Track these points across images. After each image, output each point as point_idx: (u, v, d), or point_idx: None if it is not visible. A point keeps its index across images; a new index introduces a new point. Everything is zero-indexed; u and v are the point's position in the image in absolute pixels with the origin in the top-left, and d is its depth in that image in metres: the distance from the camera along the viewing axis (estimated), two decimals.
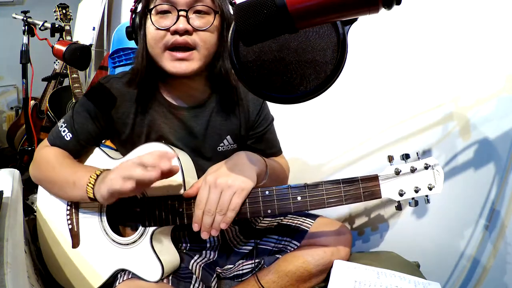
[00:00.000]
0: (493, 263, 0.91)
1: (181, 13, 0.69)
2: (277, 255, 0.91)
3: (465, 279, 0.97)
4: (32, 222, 0.96)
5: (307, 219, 0.94)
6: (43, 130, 2.13)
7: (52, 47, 0.78)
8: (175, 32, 0.70)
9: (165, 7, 0.70)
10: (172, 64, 0.72)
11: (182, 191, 0.75)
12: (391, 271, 0.85)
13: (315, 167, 1.27)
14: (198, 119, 0.82)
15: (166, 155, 0.65)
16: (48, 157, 0.80)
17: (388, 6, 0.36)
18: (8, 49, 2.61)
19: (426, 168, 0.71)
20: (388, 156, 0.74)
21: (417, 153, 0.75)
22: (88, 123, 0.80)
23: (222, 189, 0.70)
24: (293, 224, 0.93)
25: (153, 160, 0.64)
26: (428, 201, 0.73)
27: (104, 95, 0.80)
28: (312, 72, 0.51)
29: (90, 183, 0.71)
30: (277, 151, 0.96)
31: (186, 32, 0.70)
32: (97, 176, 0.71)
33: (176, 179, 0.75)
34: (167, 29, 0.70)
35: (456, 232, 0.98)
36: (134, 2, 0.76)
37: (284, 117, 1.10)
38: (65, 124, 0.81)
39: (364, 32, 1.01)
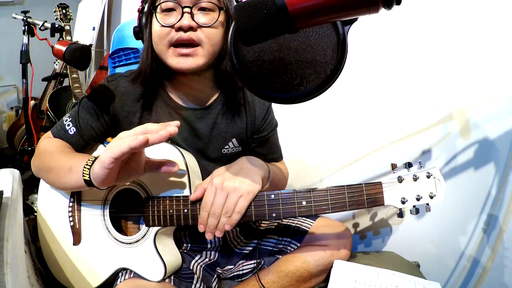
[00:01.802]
0: (493, 263, 0.91)
1: (185, 10, 0.69)
2: (277, 255, 0.91)
3: (465, 279, 0.97)
4: (32, 222, 0.96)
5: (307, 219, 0.94)
6: (43, 130, 2.13)
7: (52, 47, 0.78)
8: (179, 29, 0.70)
9: (169, 4, 0.71)
10: (176, 60, 0.71)
11: (187, 192, 0.75)
12: (391, 271, 0.85)
13: (315, 167, 1.27)
14: (204, 120, 0.82)
15: (169, 123, 0.63)
16: (47, 146, 0.80)
17: (388, 6, 0.36)
18: (8, 49, 2.61)
19: (428, 177, 0.72)
20: (391, 164, 0.75)
21: (419, 161, 0.76)
22: (93, 120, 0.80)
23: (228, 191, 0.70)
24: (293, 225, 0.93)
25: (159, 126, 0.62)
26: (429, 209, 0.74)
27: (109, 95, 0.80)
28: (312, 72, 0.51)
29: (87, 165, 0.68)
30: (278, 157, 0.97)
31: (190, 29, 0.70)
32: (95, 158, 0.67)
33: (181, 180, 0.75)
34: (172, 26, 0.70)
35: (456, 232, 0.98)
36: (141, 2, 0.76)
37: (284, 118, 1.10)
38: (70, 119, 0.81)
39: (364, 32, 1.01)
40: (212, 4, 0.71)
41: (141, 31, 0.76)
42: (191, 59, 0.71)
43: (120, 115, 0.80)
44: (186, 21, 0.69)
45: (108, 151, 0.61)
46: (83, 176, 0.68)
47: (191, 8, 0.70)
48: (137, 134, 0.61)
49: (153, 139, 0.60)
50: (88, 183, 0.68)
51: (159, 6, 0.72)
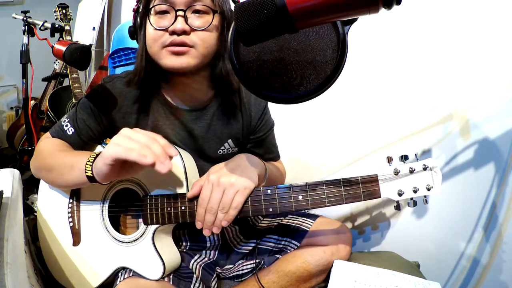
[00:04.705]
0: (493, 263, 0.91)
1: (179, 13, 0.69)
2: (277, 255, 0.91)
3: (465, 279, 0.97)
4: (32, 222, 0.96)
5: (307, 219, 0.94)
6: (43, 130, 2.13)
7: (52, 47, 0.78)
8: (173, 33, 0.69)
9: (163, 7, 0.70)
10: (169, 59, 0.71)
11: (184, 190, 0.75)
12: (391, 271, 0.85)
13: (315, 167, 1.27)
14: (199, 121, 0.82)
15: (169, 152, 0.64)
16: (48, 146, 0.80)
17: (388, 6, 0.36)
18: (8, 49, 2.61)
19: (424, 169, 0.72)
20: (387, 157, 0.75)
21: (415, 154, 0.76)
22: (91, 120, 0.80)
23: (225, 187, 0.70)
24: (293, 224, 0.93)
25: (163, 150, 0.63)
26: (426, 201, 0.73)
27: (106, 96, 0.80)
28: (312, 72, 0.51)
29: (89, 161, 0.69)
30: (275, 156, 0.97)
31: (184, 32, 0.69)
32: (97, 155, 0.69)
33: (179, 178, 0.75)
34: (166, 29, 0.70)
35: (456, 232, 0.98)
36: (136, 1, 0.76)
37: (284, 118, 1.10)
38: (68, 119, 0.82)
39: (364, 32, 1.01)
40: (206, 7, 0.70)
41: (136, 31, 0.76)
42: (183, 58, 0.70)
43: (117, 116, 0.80)
44: (180, 24, 0.68)
45: (111, 149, 0.63)
46: (86, 172, 0.69)
47: (184, 11, 0.69)
48: (148, 147, 0.62)
49: (159, 168, 0.60)
50: (91, 178, 0.69)
51: (153, 8, 0.71)
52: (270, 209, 0.72)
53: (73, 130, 0.80)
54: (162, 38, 0.70)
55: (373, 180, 0.72)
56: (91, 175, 0.68)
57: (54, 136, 0.82)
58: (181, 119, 0.81)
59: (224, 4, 0.74)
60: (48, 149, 0.79)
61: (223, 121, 0.84)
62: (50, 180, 0.81)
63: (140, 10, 0.74)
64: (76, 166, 0.71)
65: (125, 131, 0.66)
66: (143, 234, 0.77)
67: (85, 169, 0.69)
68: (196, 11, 0.70)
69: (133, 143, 0.62)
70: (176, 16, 0.69)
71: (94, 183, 0.70)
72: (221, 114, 0.83)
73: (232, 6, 0.75)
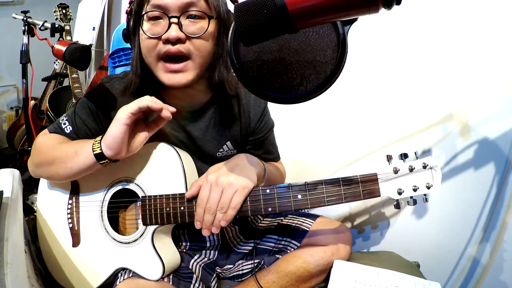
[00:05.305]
0: (493, 263, 0.91)
1: (173, 20, 0.67)
2: (277, 255, 0.91)
3: (465, 279, 0.97)
4: (32, 222, 0.96)
5: (307, 219, 0.94)
6: (43, 130, 2.13)
7: (52, 47, 0.78)
8: (167, 41, 0.67)
9: (156, 13, 0.68)
10: (166, 76, 0.70)
11: (183, 190, 0.75)
12: (391, 271, 0.85)
13: (315, 167, 1.27)
14: (197, 124, 0.82)
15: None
16: (47, 140, 0.80)
17: (388, 6, 0.36)
18: (8, 49, 2.61)
19: (424, 167, 0.72)
20: (387, 155, 0.75)
21: (415, 152, 0.75)
22: (89, 120, 0.80)
23: (223, 187, 0.70)
24: (293, 224, 0.93)
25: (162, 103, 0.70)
26: (426, 200, 0.73)
27: (105, 96, 0.79)
28: (312, 72, 0.51)
29: (96, 141, 0.71)
30: (275, 157, 0.96)
31: (178, 41, 0.67)
32: (102, 136, 0.71)
33: (177, 178, 0.75)
34: (159, 37, 0.68)
35: (456, 232, 0.98)
36: (129, 3, 0.74)
37: (284, 118, 1.10)
38: (67, 118, 0.82)
39: (364, 32, 1.01)
40: (201, 12, 0.68)
41: (129, 35, 0.75)
42: (181, 75, 0.70)
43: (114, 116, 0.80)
44: (174, 32, 0.66)
45: (125, 108, 0.68)
46: (94, 150, 0.70)
47: (178, 17, 0.67)
48: (154, 101, 0.68)
49: (165, 113, 0.69)
50: (99, 157, 0.69)
51: (145, 15, 0.69)
52: (269, 209, 0.72)
53: (71, 129, 0.80)
54: (156, 48, 0.69)
55: (372, 179, 0.72)
56: (100, 151, 0.69)
57: (52, 133, 0.82)
58: (180, 120, 0.81)
59: (221, 7, 0.72)
60: (48, 142, 0.79)
61: (221, 124, 0.83)
62: (52, 174, 0.79)
63: (133, 14, 0.72)
64: (81, 150, 0.71)
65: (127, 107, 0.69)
66: (142, 234, 0.77)
67: (93, 148, 0.70)
68: (191, 16, 0.68)
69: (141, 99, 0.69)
70: (170, 23, 0.67)
71: (101, 162, 0.70)
72: (219, 116, 0.83)
73: (230, 7, 0.74)
